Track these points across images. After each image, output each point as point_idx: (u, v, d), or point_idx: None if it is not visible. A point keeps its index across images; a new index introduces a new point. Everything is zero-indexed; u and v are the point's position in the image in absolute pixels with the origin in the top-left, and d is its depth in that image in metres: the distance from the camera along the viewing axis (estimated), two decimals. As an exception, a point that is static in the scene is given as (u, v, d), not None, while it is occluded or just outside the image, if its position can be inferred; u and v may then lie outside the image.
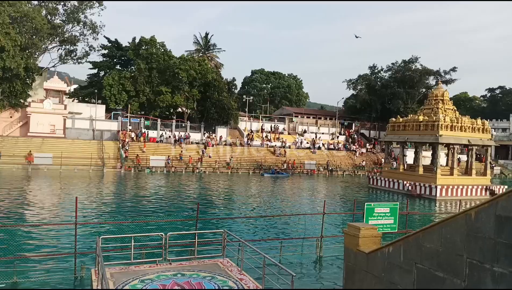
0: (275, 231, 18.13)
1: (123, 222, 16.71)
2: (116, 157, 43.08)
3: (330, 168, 50.20)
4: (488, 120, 50.21)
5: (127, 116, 50.62)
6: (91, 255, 11.93)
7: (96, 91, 53.69)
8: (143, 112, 54.29)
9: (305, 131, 61.13)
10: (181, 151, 46.26)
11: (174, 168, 42.85)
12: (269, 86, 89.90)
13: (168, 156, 43.82)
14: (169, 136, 49.64)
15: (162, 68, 52.28)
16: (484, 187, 34.44)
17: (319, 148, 55.57)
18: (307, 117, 70.41)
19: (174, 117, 55.74)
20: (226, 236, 10.79)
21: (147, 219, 18.78)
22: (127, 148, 44.09)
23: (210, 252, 11.57)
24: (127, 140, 45.93)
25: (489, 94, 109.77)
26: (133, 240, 9.80)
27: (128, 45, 57.78)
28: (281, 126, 61.18)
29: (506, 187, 34.08)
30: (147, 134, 48.80)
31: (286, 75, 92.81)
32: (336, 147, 57.54)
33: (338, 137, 62.16)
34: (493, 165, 56.95)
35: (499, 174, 58.72)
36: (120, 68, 60.04)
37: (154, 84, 52.00)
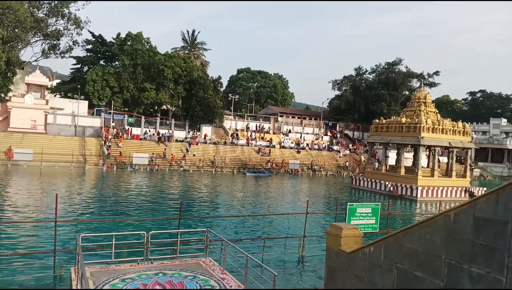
0: (258, 230, 18.15)
1: (104, 220, 16.49)
2: (98, 154, 42.46)
3: (314, 168, 50.52)
4: (469, 123, 51.35)
5: (110, 113, 49.93)
6: (71, 254, 11.72)
7: (79, 86, 52.81)
8: (127, 109, 53.61)
9: (290, 131, 61.36)
10: (165, 149, 45.88)
11: (158, 166, 42.47)
12: (255, 85, 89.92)
13: (152, 154, 43.41)
14: (153, 134, 49.17)
15: (147, 64, 51.75)
16: (464, 189, 35.16)
17: (303, 148, 55.86)
18: (292, 117, 70.72)
19: (159, 115, 55.25)
20: (208, 235, 10.74)
21: (128, 218, 18.58)
22: (109, 145, 43.52)
23: (192, 251, 11.50)
24: (110, 137, 45.33)
25: (470, 98, 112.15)
26: (114, 239, 9.67)
27: (113, 40, 57.00)
28: (266, 126, 61.27)
29: (485, 189, 34.83)
30: (131, 131, 48.23)
31: (272, 74, 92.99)
32: (320, 147, 57.93)
33: (322, 137, 62.61)
34: (473, 167, 58.17)
35: (478, 176, 60.00)
36: (104, 63, 59.17)
37: (138, 81, 51.43)
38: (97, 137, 46.08)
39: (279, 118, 66.54)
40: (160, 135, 48.72)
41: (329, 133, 65.31)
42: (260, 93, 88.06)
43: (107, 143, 43.66)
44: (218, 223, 18.93)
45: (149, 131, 49.62)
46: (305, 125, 65.39)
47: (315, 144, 58.36)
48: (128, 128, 48.52)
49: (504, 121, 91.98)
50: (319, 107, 77.75)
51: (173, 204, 23.73)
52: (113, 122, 49.26)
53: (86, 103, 50.62)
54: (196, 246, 12.20)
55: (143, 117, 50.62)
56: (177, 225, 13.14)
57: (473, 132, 65.33)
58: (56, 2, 49.65)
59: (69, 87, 56.44)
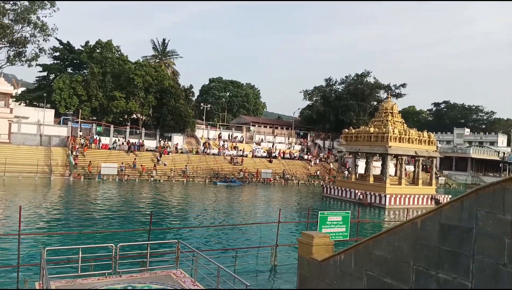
0: (231, 240, 18.02)
1: (70, 233, 15.93)
2: (64, 164, 41.13)
3: (286, 177, 50.83)
4: (434, 132, 53.15)
5: (77, 122, 48.59)
6: (35, 268, 11.24)
7: (45, 94, 51.17)
8: (95, 118, 52.34)
9: (262, 140, 61.61)
10: (135, 159, 45.00)
11: (127, 176, 41.56)
12: (227, 94, 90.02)
13: (121, 164, 42.46)
14: (123, 143, 48.17)
15: (117, 72, 50.86)
16: (430, 196, 36.26)
17: (275, 157, 56.16)
18: (264, 127, 71.11)
19: (128, 124, 54.24)
20: (179, 247, 10.56)
21: (96, 230, 18.03)
22: (76, 155, 42.27)
23: (163, 263, 11.27)
24: (77, 146, 44.04)
25: (434, 108, 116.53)
26: (80, 252, 9.35)
27: (82, 48, 55.78)
28: (238, 135, 61.29)
29: (450, 196, 36.06)
30: (99, 140, 47.05)
31: (244, 84, 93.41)
32: (292, 157, 58.43)
33: (294, 146, 63.19)
34: (438, 175, 60.17)
35: (443, 184, 62.08)
36: (71, 71, 57.72)
37: (107, 89, 50.41)
38: (63, 146, 44.68)
39: (251, 128, 66.77)
40: (130, 144, 47.78)
41: (300, 142, 66.01)
42: (232, 102, 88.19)
43: (74, 153, 42.39)
44: (189, 234, 18.67)
45: (119, 140, 48.57)
46: (277, 135, 65.87)
47: (287, 153, 58.81)
48: (97, 138, 47.32)
49: (467, 130, 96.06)
50: (291, 117, 78.59)
51: (143, 215, 23.25)
52: (80, 131, 47.93)
53: (52, 111, 49.07)
54: (166, 258, 11.97)
55: (112, 126, 49.54)
56: (147, 237, 12.85)
57: (438, 142, 67.65)
58: (23, 9, 48.21)
59: (34, 95, 54.66)
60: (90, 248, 11.77)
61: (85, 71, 55.49)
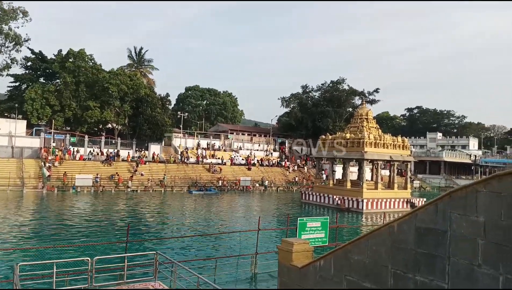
0: (210, 250, 17.85)
1: (44, 247, 15.43)
2: (37, 176, 39.92)
3: (265, 184, 50.89)
4: (408, 137, 54.39)
5: (50, 132, 47.34)
6: (8, 285, 10.81)
7: (16, 105, 49.70)
8: (68, 128, 51.14)
9: (240, 148, 61.56)
10: (116, 173, 44.07)
11: (103, 187, 40.68)
12: (204, 103, 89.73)
13: (97, 175, 41.54)
14: (98, 153, 47.18)
15: (91, 82, 49.96)
16: (405, 200, 36.99)
17: (254, 164, 56.18)
18: (242, 134, 71.12)
19: (103, 134, 53.23)
20: (158, 258, 10.39)
21: (71, 243, 17.53)
22: (50, 166, 41.11)
23: (141, 276, 11.06)
24: (50, 158, 42.85)
25: (408, 113, 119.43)
26: (55, 266, 9.07)
27: (54, 57, 54.60)
28: (216, 143, 61.06)
29: (424, 199, 36.84)
30: (73, 151, 45.94)
31: (222, 92, 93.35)
32: (270, 164, 58.59)
33: (272, 153, 63.41)
34: (413, 179, 61.45)
35: (418, 187, 63.45)
36: (44, 81, 56.40)
37: (81, 99, 49.42)
38: (36, 158, 43.39)
39: (230, 135, 66.66)
40: (105, 154, 46.84)
41: (278, 149, 66.32)
42: (209, 110, 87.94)
43: (47, 165, 41.23)
44: (168, 245, 18.38)
45: (94, 151, 47.55)
46: (255, 142, 65.97)
47: (265, 160, 58.94)
48: (70, 148, 46.19)
49: (439, 135, 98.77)
50: (269, 124, 78.96)
51: (120, 227, 22.77)
52: (53, 142, 46.70)
53: (24, 122, 47.66)
54: (144, 270, 11.74)
55: (86, 136, 48.49)
56: (124, 249, 12.58)
57: (412, 146, 69.30)
58: None
59: (5, 106, 53.09)
60: (65, 263, 11.43)
61: (57, 80, 54.31)
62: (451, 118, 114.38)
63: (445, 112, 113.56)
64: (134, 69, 68.50)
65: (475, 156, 79.75)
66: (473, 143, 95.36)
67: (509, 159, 76.69)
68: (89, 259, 9.57)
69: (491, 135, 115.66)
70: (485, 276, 4.75)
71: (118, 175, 42.94)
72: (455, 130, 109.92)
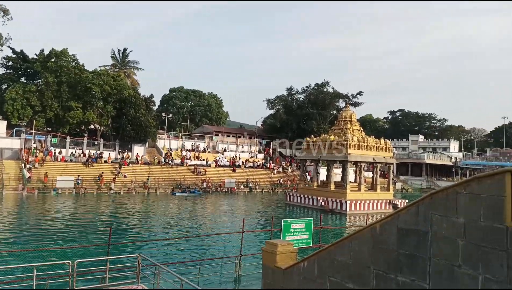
0: (194, 252, 17.74)
1: (24, 250, 15.10)
2: (17, 178, 39.03)
3: (250, 186, 50.88)
4: (390, 140, 55.14)
5: (31, 133, 46.38)
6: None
7: (-4, 105, 48.59)
8: (50, 129, 50.19)
9: (225, 150, 61.44)
10: (102, 173, 43.40)
11: (85, 189, 40.04)
12: (189, 104, 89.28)
13: (78, 176, 40.86)
14: (80, 155, 46.41)
15: (73, 82, 49.14)
16: (388, 201, 37.48)
17: (238, 166, 56.13)
18: (227, 136, 70.99)
19: (86, 135, 52.41)
20: (141, 261, 10.28)
21: (52, 246, 17.19)
22: (30, 167, 40.26)
23: (123, 279, 10.91)
24: (30, 159, 41.97)
25: (390, 116, 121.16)
26: (35, 270, 8.88)
27: (36, 57, 53.56)
28: (201, 145, 60.78)
29: (406, 201, 37.38)
30: (54, 152, 45.09)
31: (206, 93, 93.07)
32: (255, 165, 58.62)
33: (257, 155, 63.46)
34: (395, 181, 62.33)
35: (400, 189, 64.36)
36: (25, 81, 55.25)
37: (63, 99, 48.56)
38: (16, 159, 42.44)
39: (214, 137, 66.45)
40: (88, 156, 46.10)
41: (263, 151, 66.41)
42: (194, 112, 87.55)
43: (27, 166, 40.36)
44: (151, 247, 18.20)
45: (76, 152, 46.76)
46: (240, 144, 65.92)
47: (250, 162, 58.95)
48: (52, 150, 45.32)
49: (421, 137, 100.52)
50: (254, 126, 79.07)
51: (102, 229, 22.44)
52: (34, 143, 45.76)
53: (4, 123, 46.55)
54: (127, 273, 11.59)
55: (68, 137, 47.64)
56: (106, 252, 12.40)
57: (394, 148, 70.12)
58: None
59: (-16, 106, 51.67)
60: (46, 266, 11.21)
61: (39, 80, 53.29)
62: (432, 121, 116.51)
63: (427, 115, 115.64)
64: (117, 69, 67.71)
65: (456, 158, 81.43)
66: (454, 145, 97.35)
67: (488, 161, 78.50)
68: (70, 262, 9.41)
69: (471, 137, 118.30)
70: (465, 276, 4.85)
71: (102, 176, 42.33)
72: (436, 133, 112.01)
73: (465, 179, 5.14)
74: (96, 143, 49.91)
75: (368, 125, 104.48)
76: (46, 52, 52.78)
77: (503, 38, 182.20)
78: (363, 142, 36.85)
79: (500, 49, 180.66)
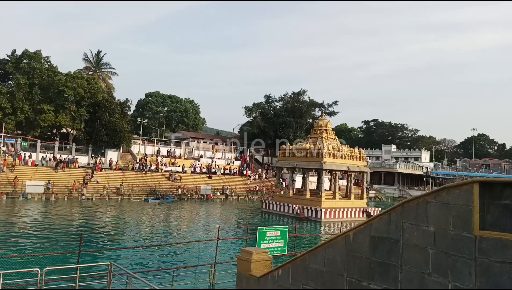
0: (168, 260, 17.48)
1: (-12, 258, 14.49)
2: (-17, 183, 37.54)
3: (226, 193, 50.65)
4: (364, 149, 56.21)
5: (0, 136, 44.77)
6: None
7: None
8: (20, 132, 48.62)
9: (201, 156, 61.02)
10: (65, 176, 42.22)
11: (55, 195, 38.88)
12: (165, 109, 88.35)
13: (48, 181, 39.66)
14: (50, 159, 45.07)
15: (46, 84, 47.86)
16: (362, 209, 38.06)
17: (215, 173, 55.82)
18: (204, 142, 70.55)
19: (58, 139, 51.02)
20: (112, 269, 10.05)
21: (20, 253, 16.58)
22: (-3, 172, 38.78)
23: (94, 287, 10.63)
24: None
25: (364, 126, 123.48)
26: (1, 278, 8.54)
27: (7, 58, 51.94)
28: (177, 151, 60.16)
29: (379, 209, 38.06)
30: (24, 156, 43.64)
31: (183, 99, 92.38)
32: (232, 172, 58.45)
33: (233, 162, 63.31)
34: (369, 189, 63.40)
35: (374, 197, 65.50)
36: (-6, 82, 53.48)
37: (35, 102, 47.19)
38: (-18, 163, 40.80)
39: (191, 143, 65.92)
40: (59, 160, 44.82)
41: (239, 158, 66.32)
42: (170, 117, 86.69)
43: (-6, 170, 38.86)
44: (123, 255, 17.81)
45: (46, 156, 45.39)
46: (216, 150, 65.62)
47: (227, 169, 58.74)
48: (21, 153, 43.85)
49: (394, 147, 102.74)
50: (231, 133, 78.94)
51: (72, 236, 21.81)
52: (3, 146, 44.17)
53: (-30, 125, 44.85)
54: (98, 281, 11.30)
55: (39, 141, 46.26)
56: (77, 260, 12.05)
57: (368, 157, 71.49)
58: None
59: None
60: (13, 274, 10.80)
61: (10, 82, 51.66)
62: (405, 131, 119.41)
63: (399, 125, 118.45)
64: (91, 72, 66.39)
65: (427, 168, 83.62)
66: (425, 155, 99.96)
67: (458, 172, 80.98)
68: (39, 270, 9.11)
69: (442, 148, 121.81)
70: (435, 284, 4.96)
71: (75, 182, 41.21)
72: (408, 143, 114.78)
73: (435, 188, 5.29)
74: (68, 147, 48.63)
75: (343, 134, 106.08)
76: (19, 52, 51.36)
77: (470, 52, 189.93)
78: (338, 151, 37.38)
79: (471, 63, 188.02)
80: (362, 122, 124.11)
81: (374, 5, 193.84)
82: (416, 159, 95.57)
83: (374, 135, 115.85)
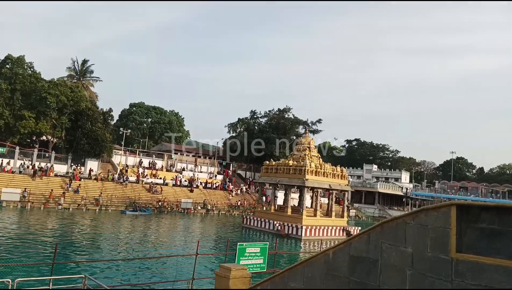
0: (145, 274, 17.13)
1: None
2: (-45, 188, 36.32)
3: (207, 207, 50.19)
4: (346, 167, 56.65)
5: (-24, 141, 43.61)
6: None
7: None
8: (-2, 138, 47.50)
9: (184, 169, 60.53)
10: (42, 184, 41.22)
11: (32, 203, 37.86)
12: (149, 120, 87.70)
13: (25, 189, 38.65)
14: (28, 166, 44.03)
15: (28, 90, 47.05)
16: (342, 228, 38.21)
17: (197, 186, 55.37)
18: (186, 155, 70.07)
19: (37, 146, 49.95)
20: (86, 282, 9.79)
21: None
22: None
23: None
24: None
25: (347, 145, 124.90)
26: (-33, 290, 8.21)
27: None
28: (159, 163, 59.56)
29: (359, 228, 38.28)
30: (1, 162, 42.53)
31: (168, 111, 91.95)
32: (214, 186, 58.08)
33: (216, 176, 62.98)
34: (350, 208, 63.84)
35: (354, 216, 65.92)
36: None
37: (15, 108, 46.26)
38: (-45, 168, 39.56)
39: (174, 155, 65.37)
40: (37, 168, 43.80)
41: (222, 172, 66.04)
42: (154, 128, 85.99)
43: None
44: (99, 268, 17.37)
45: (24, 163, 44.32)
46: (199, 164, 65.24)
47: (209, 183, 58.35)
48: (-2, 160, 42.70)
49: (375, 167, 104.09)
50: (214, 146, 78.67)
51: (47, 246, 21.20)
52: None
53: None
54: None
55: (17, 147, 45.20)
56: (50, 271, 11.70)
57: (350, 176, 72.15)
58: None
59: None
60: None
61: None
62: (386, 152, 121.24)
63: (381, 145, 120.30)
64: (75, 80, 65.62)
65: (407, 188, 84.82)
66: (405, 176, 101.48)
67: (437, 193, 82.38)
68: (10, 281, 8.80)
69: (422, 169, 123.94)
70: (411, 304, 5.00)
71: (52, 191, 40.24)
72: (389, 163, 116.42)
73: (414, 209, 5.38)
74: (47, 155, 47.64)
75: (326, 152, 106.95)
76: (1, 57, 50.56)
77: (452, 77, 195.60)
78: (321, 168, 37.64)
79: (452, 87, 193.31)
80: (345, 141, 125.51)
81: (358, 26, 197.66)
82: (396, 179, 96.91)
83: (356, 154, 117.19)
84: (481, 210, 4.58)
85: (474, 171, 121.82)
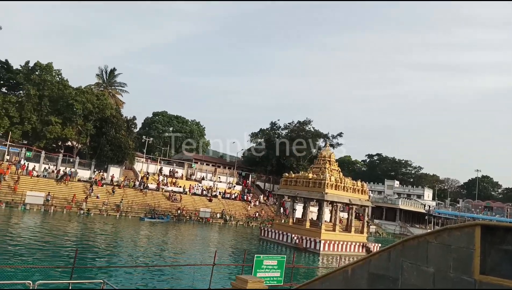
0: (161, 282, 17.20)
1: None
2: (-16, 190, 37.54)
3: (225, 217, 50.24)
4: (367, 182, 55.82)
5: (5, 144, 45.11)
6: None
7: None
8: (26, 142, 48.99)
9: (203, 178, 60.93)
10: (65, 189, 42.20)
11: (55, 207, 38.76)
12: (170, 129, 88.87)
13: (49, 193, 39.63)
14: (53, 171, 45.20)
15: (55, 97, 48.57)
16: (361, 244, 37.50)
17: (215, 196, 55.57)
18: (206, 165, 70.57)
19: (62, 151, 51.30)
20: (105, 287, 9.91)
21: (12, 264, 16.41)
22: (0, 180, 38.87)
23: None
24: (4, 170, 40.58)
25: (368, 160, 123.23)
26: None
27: (20, 68, 52.97)
28: (179, 171, 60.17)
29: (379, 245, 37.52)
30: (27, 166, 43.83)
31: (190, 120, 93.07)
32: (232, 197, 58.16)
33: (234, 186, 63.10)
34: (370, 224, 62.69)
35: (374, 232, 64.65)
36: (6, 91, 54.31)
37: (43, 113, 47.76)
38: (-15, 170, 40.94)
39: (193, 165, 65.96)
40: (61, 173, 44.91)
41: (241, 182, 66.13)
42: (175, 137, 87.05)
43: (-4, 178, 38.93)
44: (116, 273, 17.56)
45: (49, 168, 45.54)
46: (218, 173, 65.58)
47: (228, 193, 58.49)
48: (25, 163, 44.05)
49: (396, 183, 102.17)
50: (234, 157, 78.98)
51: (68, 250, 21.60)
52: (7, 155, 44.42)
53: (-23, 131, 45.30)
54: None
55: (43, 152, 46.52)
56: (69, 275, 11.90)
57: (370, 191, 71.06)
58: None
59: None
60: (5, 285, 10.68)
61: (21, 92, 52.49)
62: (408, 168, 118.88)
63: (403, 161, 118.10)
64: (102, 88, 67.37)
65: (429, 206, 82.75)
66: (428, 193, 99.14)
67: (460, 212, 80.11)
68: (31, 282, 9.00)
69: (445, 187, 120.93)
70: (432, 326, 4.86)
71: (75, 195, 41.13)
72: (411, 180, 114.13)
73: (437, 228, 5.26)
74: (71, 160, 48.84)
75: (346, 166, 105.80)
76: (31, 64, 52.40)
77: (475, 93, 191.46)
78: (341, 182, 37.22)
79: (476, 104, 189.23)
80: (366, 155, 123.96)
81: (375, 43, 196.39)
82: (419, 196, 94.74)
83: (377, 169, 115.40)
84: (506, 232, 4.44)
85: (499, 190, 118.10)
